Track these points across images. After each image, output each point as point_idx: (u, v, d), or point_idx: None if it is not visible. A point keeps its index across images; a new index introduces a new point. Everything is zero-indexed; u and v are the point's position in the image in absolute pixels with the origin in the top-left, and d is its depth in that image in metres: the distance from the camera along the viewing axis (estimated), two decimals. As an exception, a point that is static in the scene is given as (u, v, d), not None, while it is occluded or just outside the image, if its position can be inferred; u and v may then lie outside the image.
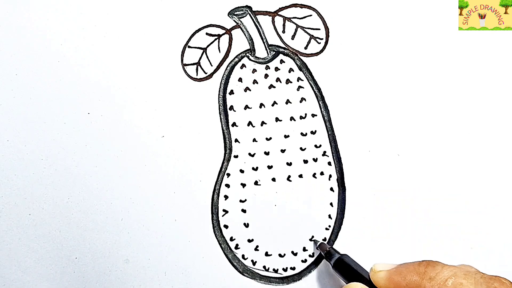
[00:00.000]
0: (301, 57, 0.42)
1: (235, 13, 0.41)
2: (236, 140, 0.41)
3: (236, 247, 0.41)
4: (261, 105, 0.41)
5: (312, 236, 0.41)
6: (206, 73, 0.41)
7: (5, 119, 0.40)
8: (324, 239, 0.41)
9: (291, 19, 0.42)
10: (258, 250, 0.41)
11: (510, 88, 0.42)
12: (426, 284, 0.31)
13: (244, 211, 0.41)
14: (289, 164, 0.41)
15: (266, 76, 0.42)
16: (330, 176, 0.41)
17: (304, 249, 0.41)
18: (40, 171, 0.40)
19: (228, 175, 0.41)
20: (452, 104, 0.42)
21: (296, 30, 0.42)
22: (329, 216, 0.41)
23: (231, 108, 0.41)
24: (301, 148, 0.41)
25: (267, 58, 0.42)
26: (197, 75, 0.41)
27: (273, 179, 0.41)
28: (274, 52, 0.42)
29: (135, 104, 0.41)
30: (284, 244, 0.41)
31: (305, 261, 0.41)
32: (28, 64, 0.40)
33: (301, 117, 0.41)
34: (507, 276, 0.31)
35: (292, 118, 0.41)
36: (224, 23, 0.41)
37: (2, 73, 0.40)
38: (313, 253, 0.41)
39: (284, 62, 0.42)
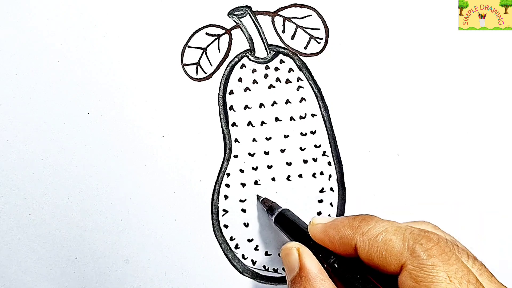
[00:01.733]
0: (301, 57, 0.42)
1: (235, 13, 0.41)
2: (236, 140, 0.41)
3: (236, 247, 0.41)
4: (261, 105, 0.41)
5: (258, 197, 0.41)
6: (206, 73, 0.41)
7: (5, 119, 0.40)
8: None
9: (291, 19, 0.42)
10: (258, 249, 0.41)
11: (510, 88, 0.42)
12: (358, 238, 0.31)
13: (244, 211, 0.41)
14: (289, 164, 0.41)
15: (266, 76, 0.42)
16: (330, 176, 0.41)
17: (304, 249, 0.41)
18: (40, 171, 0.40)
19: (228, 175, 0.41)
20: (452, 104, 0.42)
21: (296, 30, 0.42)
22: (329, 216, 0.41)
23: (231, 108, 0.41)
24: (301, 148, 0.41)
25: (267, 58, 0.42)
26: (197, 75, 0.41)
27: (273, 179, 0.41)
28: (274, 52, 0.42)
29: (135, 104, 0.41)
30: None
31: (305, 261, 0.41)
32: (28, 64, 0.40)
33: (301, 117, 0.41)
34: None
35: (292, 118, 0.41)
36: (224, 23, 0.41)
37: (2, 73, 0.40)
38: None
39: (284, 62, 0.42)
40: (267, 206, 0.40)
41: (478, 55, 0.42)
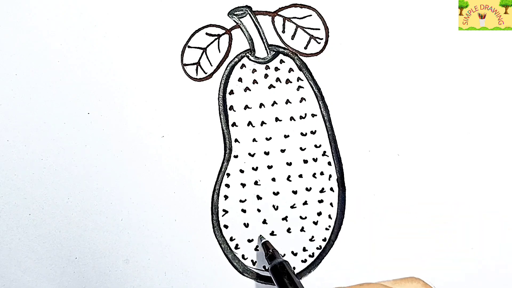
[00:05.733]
0: (301, 57, 0.42)
1: (235, 13, 0.41)
2: (236, 140, 0.41)
3: (236, 247, 0.41)
4: (261, 105, 0.41)
5: (261, 237, 0.41)
6: (206, 73, 0.41)
7: (5, 119, 0.40)
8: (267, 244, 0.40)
9: (291, 19, 0.42)
10: (258, 250, 0.41)
11: (510, 88, 0.42)
12: None
13: (244, 211, 0.41)
14: (289, 164, 0.41)
15: (266, 76, 0.42)
16: (330, 176, 0.41)
17: (304, 249, 0.41)
18: (40, 171, 0.40)
19: (228, 175, 0.41)
20: (452, 104, 0.42)
21: (296, 30, 0.42)
22: (329, 216, 0.41)
23: (231, 108, 0.41)
24: (301, 148, 0.41)
25: (267, 58, 0.42)
26: (197, 75, 0.41)
27: (273, 179, 0.41)
28: (274, 52, 0.42)
29: (135, 104, 0.41)
30: (284, 244, 0.41)
31: (305, 261, 0.41)
32: (28, 64, 0.40)
33: (301, 117, 0.41)
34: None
35: (292, 118, 0.41)
36: (224, 23, 0.41)
37: (2, 73, 0.40)
38: (313, 253, 0.41)
39: (284, 62, 0.42)
40: (269, 251, 0.38)
41: (478, 55, 0.42)
